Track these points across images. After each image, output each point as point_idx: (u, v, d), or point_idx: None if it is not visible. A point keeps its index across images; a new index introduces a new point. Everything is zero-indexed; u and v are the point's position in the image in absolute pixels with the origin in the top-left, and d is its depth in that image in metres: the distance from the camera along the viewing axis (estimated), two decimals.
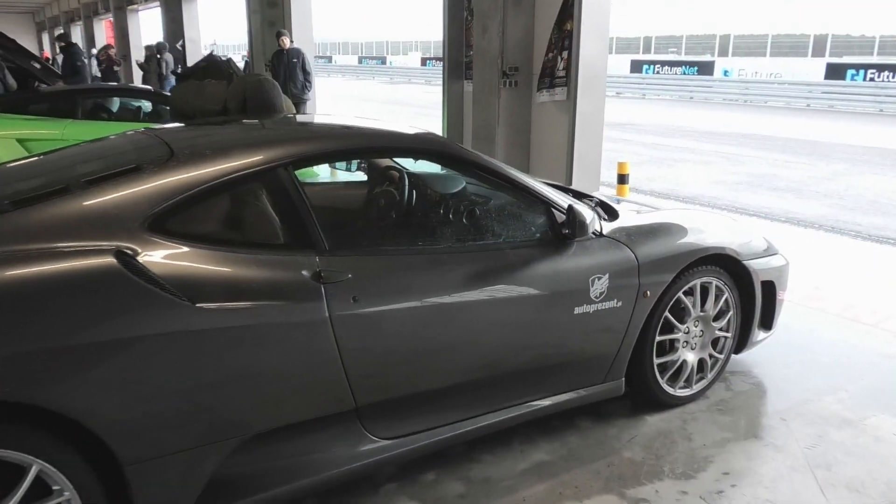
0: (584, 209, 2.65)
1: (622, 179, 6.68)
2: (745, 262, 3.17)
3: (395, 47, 53.94)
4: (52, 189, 2.12)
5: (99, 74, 16.49)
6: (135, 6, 21.07)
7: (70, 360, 1.79)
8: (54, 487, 1.84)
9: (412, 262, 2.42)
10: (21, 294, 1.77)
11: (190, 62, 15.29)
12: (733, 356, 3.39)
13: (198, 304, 1.97)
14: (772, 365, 3.62)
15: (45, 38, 35.84)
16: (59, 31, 27.38)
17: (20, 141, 6.27)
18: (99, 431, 1.84)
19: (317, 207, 2.34)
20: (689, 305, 3.06)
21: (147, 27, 22.32)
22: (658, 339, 3.01)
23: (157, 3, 18.66)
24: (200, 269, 2.05)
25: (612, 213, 3.16)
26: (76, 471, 1.86)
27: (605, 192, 6.85)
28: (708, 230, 3.23)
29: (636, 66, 32.48)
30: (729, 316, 3.23)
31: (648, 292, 2.85)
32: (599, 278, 2.72)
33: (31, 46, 33.74)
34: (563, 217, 2.67)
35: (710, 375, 3.26)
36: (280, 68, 9.86)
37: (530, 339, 2.66)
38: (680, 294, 3.01)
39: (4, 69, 8.75)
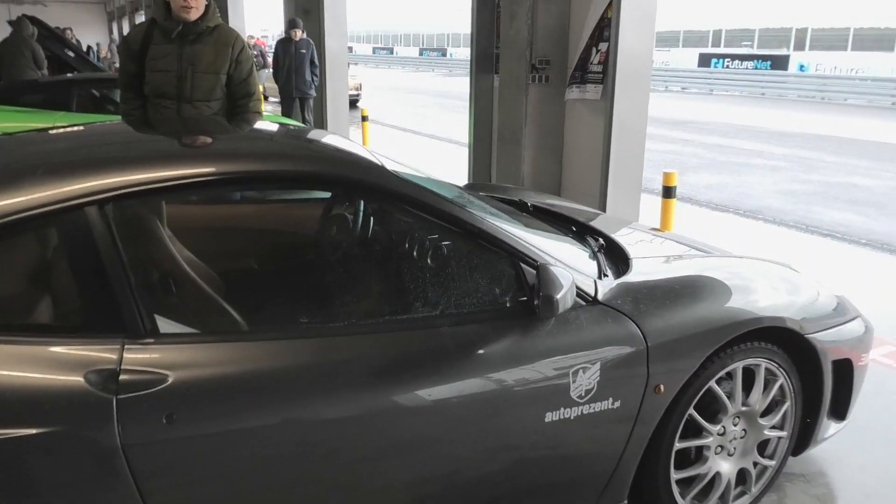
0: (560, 274, 1.77)
1: (668, 192, 5.70)
2: (809, 337, 2.24)
3: (455, 39, 53.04)
4: None
5: None
6: None
7: None
8: None
9: (287, 350, 1.61)
10: None
11: None
12: (791, 458, 2.46)
13: None
14: (844, 464, 2.67)
15: (114, 27, 36.39)
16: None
17: None
18: None
19: (145, 263, 1.56)
20: (726, 398, 2.16)
21: None
22: (678, 446, 2.12)
23: None
24: None
25: (623, 262, 2.28)
26: None
27: (648, 206, 5.90)
28: (757, 289, 2.31)
29: (704, 60, 30.75)
30: (784, 409, 2.31)
31: (663, 387, 1.97)
32: (585, 370, 1.85)
33: (103, 36, 34.39)
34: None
35: (754, 490, 2.35)
36: (285, 60, 8.90)
37: (475, 462, 1.82)
38: (712, 383, 2.11)
39: (40, 52, 8.40)
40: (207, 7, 3.29)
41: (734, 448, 2.25)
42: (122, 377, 1.41)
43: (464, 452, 1.81)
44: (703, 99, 22.64)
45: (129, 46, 3.35)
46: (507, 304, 1.87)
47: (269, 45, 15.30)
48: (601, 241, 2.40)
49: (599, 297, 1.96)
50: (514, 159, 6.06)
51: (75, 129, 2.08)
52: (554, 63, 5.76)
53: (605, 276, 2.10)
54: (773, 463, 2.36)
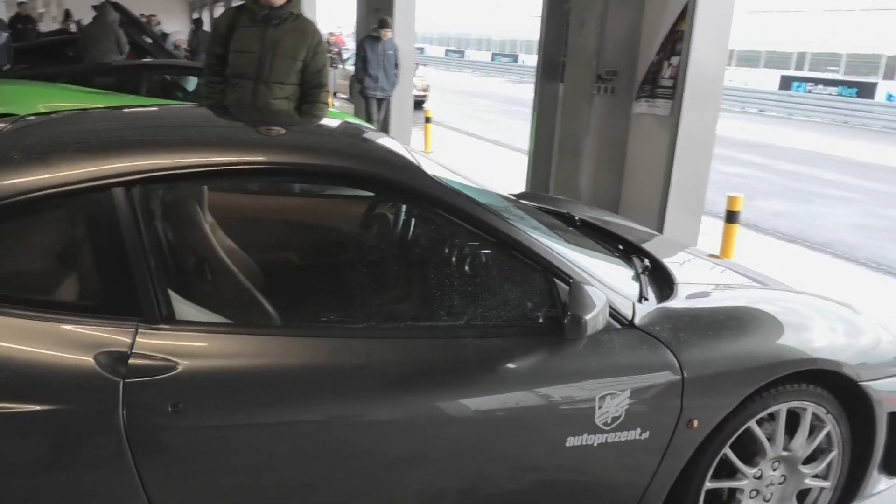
0: (593, 293, 1.67)
1: (731, 217, 5.47)
2: (864, 384, 2.08)
3: (528, 46, 52.79)
4: None
5: None
6: None
7: None
8: None
9: (303, 348, 1.57)
10: None
11: None
12: None
13: None
14: None
15: (195, 16, 37.58)
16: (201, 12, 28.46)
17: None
18: None
19: (168, 248, 1.55)
20: (766, 440, 2.02)
21: None
22: (710, 485, 1.99)
23: None
24: None
25: (668, 286, 2.16)
26: None
27: (709, 230, 5.69)
28: (812, 328, 2.16)
29: (786, 83, 29.72)
30: (830, 458, 2.15)
31: (696, 422, 1.85)
32: (613, 396, 1.75)
33: (185, 25, 35.60)
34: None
35: None
36: (373, 59, 8.78)
37: (491, 480, 1.74)
38: (752, 423, 1.98)
39: (122, 37, 8.73)
40: None
41: (770, 494, 2.11)
42: (131, 361, 1.39)
43: (479, 468, 1.74)
44: (782, 123, 21.86)
45: (217, 29, 3.57)
46: (537, 320, 1.78)
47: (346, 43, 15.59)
48: (647, 262, 2.28)
49: (636, 321, 1.86)
50: (573, 171, 5.94)
51: (117, 111, 2.09)
52: (621, 74, 5.62)
53: (646, 299, 1.99)
54: None
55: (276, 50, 3.43)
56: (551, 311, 1.77)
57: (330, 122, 2.42)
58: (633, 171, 5.78)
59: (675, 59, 5.10)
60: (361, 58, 8.82)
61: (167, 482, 1.43)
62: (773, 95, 26.77)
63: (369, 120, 9.09)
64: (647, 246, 2.57)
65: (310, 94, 3.55)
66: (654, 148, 5.41)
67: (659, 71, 5.19)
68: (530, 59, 49.39)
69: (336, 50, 15.06)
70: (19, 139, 1.67)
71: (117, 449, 1.37)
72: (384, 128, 9.32)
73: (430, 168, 1.89)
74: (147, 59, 9.12)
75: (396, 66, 9.02)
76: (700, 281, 2.42)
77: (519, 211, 2.09)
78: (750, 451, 2.04)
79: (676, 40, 5.06)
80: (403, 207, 2.27)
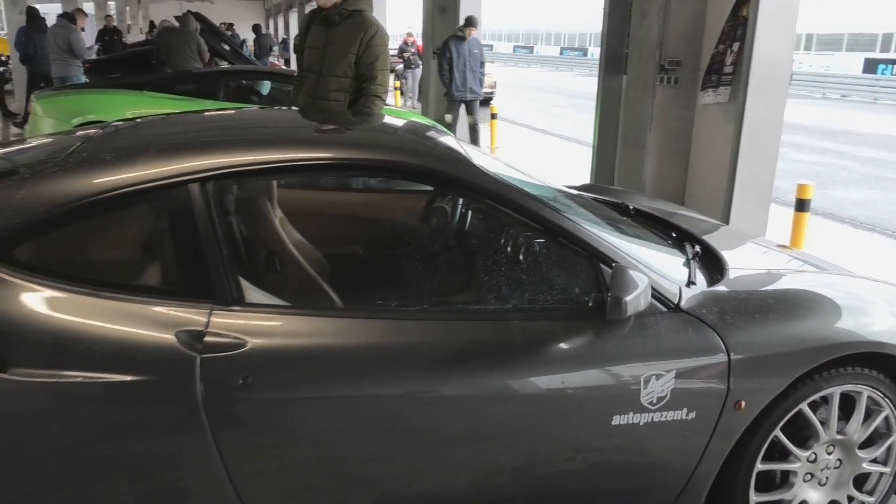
0: (636, 276, 1.74)
1: (801, 206, 5.33)
2: None
3: (597, 38, 52.11)
4: None
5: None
6: None
7: None
8: None
9: (361, 328, 1.70)
10: None
11: None
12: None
13: (10, 370, 1.42)
14: None
15: (271, 23, 38.73)
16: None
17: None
18: None
19: (239, 238, 1.70)
20: (819, 424, 2.03)
21: None
22: (761, 467, 2.02)
23: None
24: (37, 317, 1.50)
25: (719, 271, 2.19)
26: None
27: (782, 220, 5.56)
28: (872, 312, 2.14)
29: (870, 66, 28.30)
30: (889, 443, 2.14)
31: (744, 403, 1.89)
32: (658, 377, 1.81)
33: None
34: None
35: None
36: (459, 59, 8.36)
37: (541, 457, 1.83)
38: (803, 406, 2.00)
39: (203, 45, 9.17)
40: None
41: (826, 478, 2.11)
42: (206, 338, 1.55)
43: (532, 446, 1.82)
44: (865, 108, 20.86)
45: (300, 28, 4.09)
46: (583, 304, 1.86)
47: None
48: (697, 249, 2.31)
49: (682, 304, 1.91)
50: (636, 163, 5.91)
51: (192, 115, 2.28)
52: (685, 65, 5.56)
53: (694, 283, 2.03)
54: (871, 500, 2.19)
55: (333, 45, 3.74)
56: (596, 294, 1.84)
57: (390, 120, 2.55)
58: (698, 162, 5.71)
59: (736, 46, 5.02)
60: (447, 59, 8.46)
61: (237, 447, 1.58)
62: (857, 80, 25.54)
63: (453, 123, 8.75)
64: (710, 237, 2.58)
65: (362, 87, 3.78)
66: (718, 138, 5.33)
67: (723, 59, 5.12)
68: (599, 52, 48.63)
69: (412, 51, 15.19)
70: (109, 142, 1.86)
71: (194, 416, 1.52)
72: (474, 130, 8.87)
73: (482, 161, 1.99)
74: (224, 66, 9.52)
75: (482, 64, 8.74)
76: (753, 266, 2.42)
77: (567, 200, 2.16)
78: (804, 434, 2.05)
79: (739, 26, 4.98)
80: (459, 202, 2.38)
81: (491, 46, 50.65)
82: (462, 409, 1.74)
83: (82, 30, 10.03)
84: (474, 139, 8.76)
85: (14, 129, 10.36)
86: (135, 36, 21.90)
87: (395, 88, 15.43)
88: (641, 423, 1.83)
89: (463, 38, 8.41)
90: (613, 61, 6.79)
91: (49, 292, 1.52)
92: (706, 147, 5.56)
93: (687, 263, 2.18)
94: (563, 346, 1.78)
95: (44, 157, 1.78)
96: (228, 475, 1.58)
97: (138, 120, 2.28)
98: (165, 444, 1.54)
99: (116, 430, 1.51)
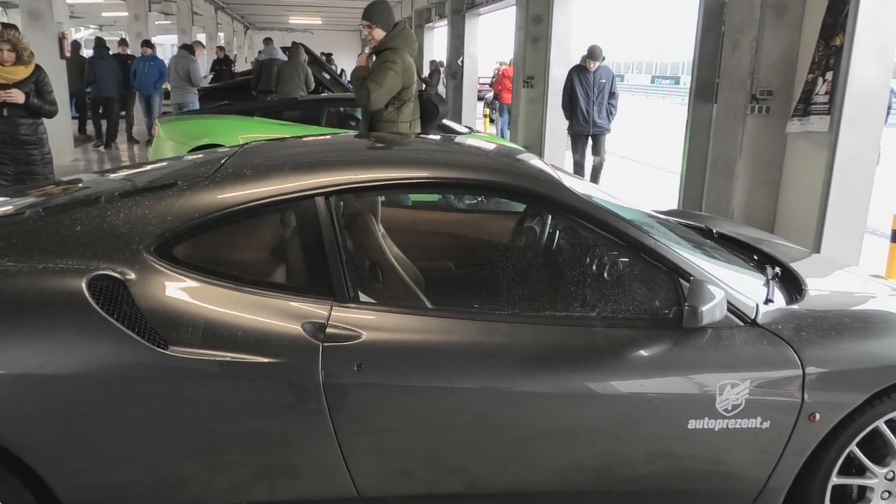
0: (712, 289, 1.88)
1: None
2: None
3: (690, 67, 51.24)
4: (84, 198, 2.02)
5: None
6: (431, 23, 22.57)
7: (13, 389, 1.64)
8: None
9: (458, 328, 1.91)
10: None
11: (466, 77, 15.86)
12: None
13: (171, 349, 1.71)
14: None
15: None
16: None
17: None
18: (36, 467, 1.67)
19: (355, 245, 1.96)
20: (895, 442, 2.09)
21: (440, 42, 23.75)
22: (836, 481, 2.09)
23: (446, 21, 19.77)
24: (193, 305, 1.79)
25: (797, 291, 2.29)
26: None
27: (874, 250, 5.45)
28: None
29: None
30: None
31: (818, 415, 1.98)
32: (734, 385, 1.93)
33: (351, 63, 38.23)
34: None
35: None
36: (581, 91, 7.90)
37: (614, 457, 1.98)
38: (880, 423, 2.06)
39: (310, 75, 9.80)
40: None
41: None
42: (328, 330, 1.80)
43: (611, 446, 1.97)
44: None
45: None
46: (662, 314, 2.01)
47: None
48: (777, 270, 2.41)
49: (759, 319, 2.03)
50: (724, 191, 5.92)
51: (316, 138, 2.59)
52: (777, 94, 5.57)
53: (771, 301, 2.14)
54: None
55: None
56: (675, 307, 1.99)
57: (485, 144, 2.80)
58: (789, 191, 5.68)
59: (829, 75, 5.01)
60: (568, 91, 8.04)
61: (350, 426, 1.81)
62: None
63: (579, 161, 8.23)
64: (797, 263, 2.66)
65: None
66: (810, 167, 5.30)
67: (813, 88, 5.11)
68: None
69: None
70: (248, 160, 2.17)
71: (316, 396, 1.77)
72: (596, 171, 8.24)
73: (571, 183, 2.18)
74: (325, 94, 10.09)
75: (613, 95, 8.05)
76: (833, 289, 2.50)
77: (650, 220, 2.32)
78: (882, 452, 2.11)
79: (831, 55, 4.98)
80: (548, 220, 2.58)
81: (622, 77, 50.46)
82: (547, 407, 1.92)
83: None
84: (595, 178, 8.20)
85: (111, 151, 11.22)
86: (241, 65, 23.30)
87: (485, 116, 15.77)
88: (716, 429, 1.95)
89: (585, 69, 7.98)
90: (704, 90, 6.83)
91: (200, 285, 1.81)
92: (798, 176, 5.53)
93: (766, 283, 2.29)
94: (642, 352, 1.94)
95: (196, 172, 2.10)
96: (341, 451, 1.81)
97: (270, 142, 2.60)
98: (290, 419, 1.79)
99: (251, 405, 1.77)
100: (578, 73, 8.00)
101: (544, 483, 1.99)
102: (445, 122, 7.57)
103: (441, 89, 15.61)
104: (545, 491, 1.99)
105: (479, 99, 17.36)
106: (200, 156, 2.49)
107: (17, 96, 4.45)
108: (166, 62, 10.92)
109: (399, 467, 1.91)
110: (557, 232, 2.40)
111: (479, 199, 2.96)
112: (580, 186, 2.24)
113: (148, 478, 1.77)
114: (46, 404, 1.66)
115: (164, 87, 11.10)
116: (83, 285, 1.69)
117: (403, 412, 1.84)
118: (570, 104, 8.02)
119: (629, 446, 1.98)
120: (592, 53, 7.97)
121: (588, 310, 2.02)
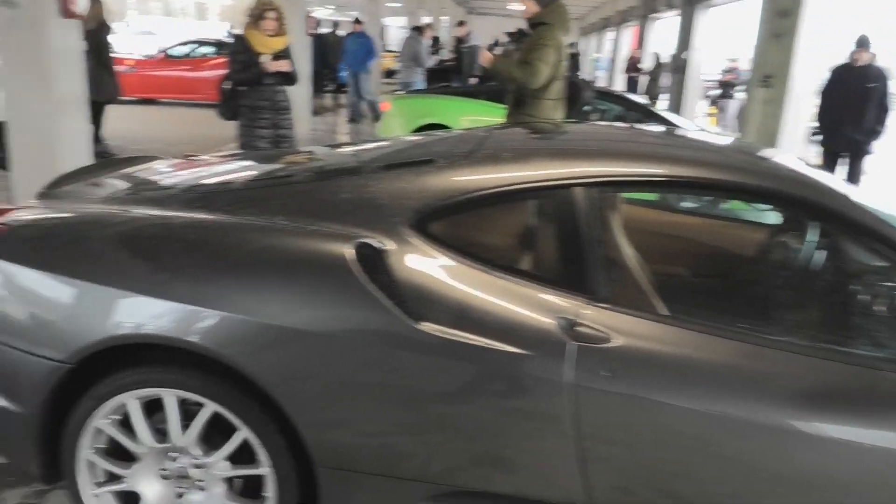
0: None
1: None
2: None
3: None
4: (345, 169, 2.10)
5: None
6: (656, 14, 21.65)
7: (275, 338, 1.73)
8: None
9: (718, 347, 1.73)
10: (252, 264, 1.77)
11: (691, 73, 15.07)
12: None
13: (420, 324, 1.71)
14: None
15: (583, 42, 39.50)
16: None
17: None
18: (289, 413, 1.75)
19: (614, 242, 1.85)
20: None
21: (666, 36, 22.67)
22: None
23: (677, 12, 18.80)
24: (446, 283, 1.79)
25: None
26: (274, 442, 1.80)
27: None
28: None
29: None
30: None
31: None
32: None
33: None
34: None
35: None
36: (839, 94, 6.46)
37: None
38: None
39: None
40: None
41: None
42: (578, 328, 1.71)
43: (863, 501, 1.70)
44: None
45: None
46: None
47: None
48: None
49: None
50: None
51: (573, 125, 2.50)
52: None
53: None
54: None
55: None
56: None
57: (733, 142, 2.54)
58: None
59: None
60: (826, 94, 6.64)
61: (591, 431, 1.70)
62: None
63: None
64: None
65: None
66: None
67: None
68: None
69: (731, 77, 14.35)
70: (502, 143, 2.13)
71: (559, 395, 1.68)
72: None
73: (843, 189, 1.90)
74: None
75: (883, 106, 6.30)
76: None
77: None
78: None
79: None
80: (836, 241, 2.26)
81: None
82: (804, 449, 1.68)
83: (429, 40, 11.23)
84: None
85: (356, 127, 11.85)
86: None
87: (709, 115, 14.87)
88: None
89: (849, 68, 6.40)
90: None
91: (454, 263, 1.80)
92: None
93: None
94: None
95: (454, 150, 2.09)
96: (577, 456, 1.72)
97: (519, 126, 2.56)
98: (526, 414, 1.73)
99: (490, 392, 1.73)
100: (842, 72, 6.60)
101: None
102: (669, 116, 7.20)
103: (664, 82, 14.92)
104: None
105: (706, 97, 16.38)
106: (456, 133, 2.50)
107: (286, 66, 4.80)
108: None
109: (626, 483, 1.78)
110: (842, 253, 2.11)
111: (726, 203, 2.70)
112: (849, 191, 1.94)
113: (374, 444, 1.80)
114: (304, 358, 1.74)
115: (373, 64, 11.14)
116: (351, 250, 1.74)
117: (649, 428, 1.70)
118: (826, 111, 6.66)
119: None
120: (861, 42, 6.49)
121: (876, 348, 1.74)
